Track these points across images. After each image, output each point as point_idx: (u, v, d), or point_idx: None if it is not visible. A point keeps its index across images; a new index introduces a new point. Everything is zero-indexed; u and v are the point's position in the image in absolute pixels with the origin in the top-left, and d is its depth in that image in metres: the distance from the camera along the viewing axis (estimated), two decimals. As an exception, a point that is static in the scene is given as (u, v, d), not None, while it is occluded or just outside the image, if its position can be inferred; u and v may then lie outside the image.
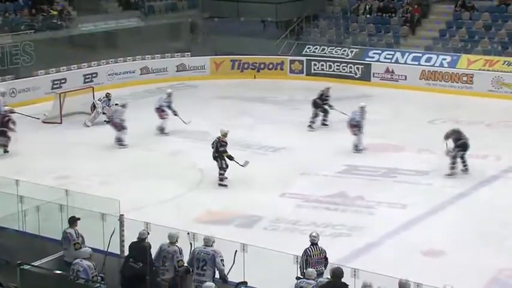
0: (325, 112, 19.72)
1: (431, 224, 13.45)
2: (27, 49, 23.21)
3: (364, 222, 13.43)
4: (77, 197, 11.19)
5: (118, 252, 10.26)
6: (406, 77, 24.42)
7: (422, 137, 18.65)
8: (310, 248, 9.76)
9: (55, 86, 22.62)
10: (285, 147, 17.88)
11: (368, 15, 28.05)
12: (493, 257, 11.87)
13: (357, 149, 17.34)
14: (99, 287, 9.30)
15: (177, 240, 9.73)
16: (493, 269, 11.50)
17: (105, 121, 19.95)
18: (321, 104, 19.66)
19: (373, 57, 25.68)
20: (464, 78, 23.71)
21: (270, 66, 26.50)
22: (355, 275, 8.87)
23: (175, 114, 19.04)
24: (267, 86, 24.80)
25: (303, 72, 26.18)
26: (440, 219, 13.69)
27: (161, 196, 14.48)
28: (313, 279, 8.93)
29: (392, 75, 24.76)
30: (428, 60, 24.83)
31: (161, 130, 19.00)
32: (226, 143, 15.05)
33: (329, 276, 8.94)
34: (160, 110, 19.05)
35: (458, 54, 24.78)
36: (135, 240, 9.83)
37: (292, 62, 26.38)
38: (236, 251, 9.40)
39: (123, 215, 10.32)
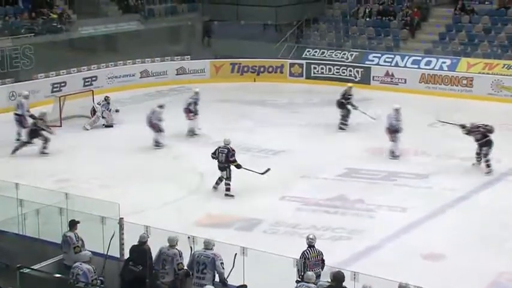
0: (347, 113, 19.69)
1: (432, 227, 13.44)
2: (27, 52, 23.22)
3: (364, 225, 13.42)
4: (76, 200, 11.18)
5: (118, 255, 10.25)
6: (405, 80, 24.44)
7: (422, 140, 18.66)
8: (308, 251, 9.77)
9: (55, 90, 22.62)
10: (285, 151, 17.88)
11: (368, 19, 28.08)
12: (493, 261, 11.86)
13: (394, 155, 17.00)
14: (99, 290, 9.30)
15: (176, 243, 9.73)
16: (493, 273, 11.49)
17: (103, 125, 19.97)
18: (345, 103, 19.66)
19: (372, 61, 25.70)
20: (464, 82, 23.72)
21: (270, 69, 26.52)
22: (355, 278, 8.87)
23: (195, 114, 19.02)
24: (267, 89, 24.81)
25: (302, 76, 26.19)
26: (440, 222, 13.68)
27: (161, 199, 14.46)
28: (313, 283, 8.93)
29: (392, 78, 24.77)
30: (428, 63, 24.85)
31: (190, 132, 18.91)
32: (235, 151, 14.84)
33: (328, 279, 8.94)
34: (188, 111, 18.98)
35: (458, 57, 24.79)
36: (135, 243, 9.83)
37: (292, 65, 26.40)
38: (236, 254, 9.39)
39: (122, 218, 10.32)
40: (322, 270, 9.66)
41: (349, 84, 20.65)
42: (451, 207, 14.41)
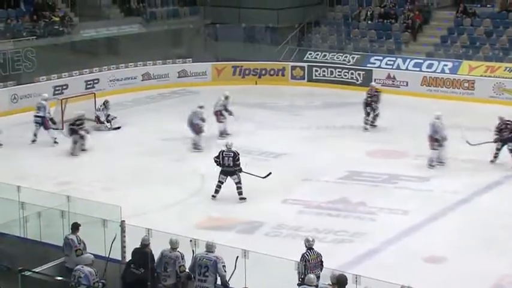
0: (371, 112, 19.77)
1: (433, 230, 13.43)
2: (28, 55, 23.25)
3: (365, 228, 13.41)
4: (78, 203, 11.18)
5: (119, 258, 10.25)
6: (407, 83, 24.43)
7: (424, 143, 18.62)
8: (307, 253, 9.79)
9: (57, 92, 22.63)
10: (286, 153, 17.88)
11: (369, 22, 28.08)
12: (495, 263, 11.84)
13: (432, 164, 16.60)
14: (101, 293, 9.31)
15: (178, 246, 9.72)
16: (495, 276, 11.47)
17: (109, 128, 19.97)
18: (370, 102, 19.77)
19: (374, 64, 25.70)
20: (466, 85, 23.71)
21: (272, 72, 26.53)
22: (356, 281, 8.86)
23: (231, 114, 19.27)
24: (268, 92, 24.82)
25: (304, 78, 26.20)
26: (441, 225, 13.67)
27: (162, 202, 14.47)
28: (315, 285, 8.93)
29: (393, 81, 24.77)
30: (429, 66, 24.85)
31: (221, 134, 18.98)
32: (239, 154, 14.77)
33: (328, 282, 8.94)
34: (219, 113, 19.08)
35: (460, 60, 24.80)
36: (137, 246, 9.83)
37: (293, 68, 26.41)
38: (238, 257, 9.39)
39: (124, 221, 10.32)
40: (321, 272, 9.69)
41: (372, 84, 20.79)
42: (453, 210, 14.40)
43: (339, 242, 12.81)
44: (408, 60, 25.34)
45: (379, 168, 16.70)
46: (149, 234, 9.91)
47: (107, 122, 20.03)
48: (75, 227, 10.24)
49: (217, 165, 14.63)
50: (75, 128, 17.86)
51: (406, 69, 25.10)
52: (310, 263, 9.68)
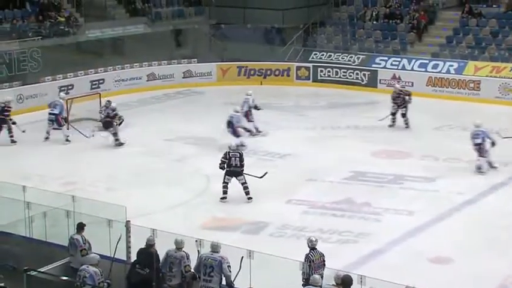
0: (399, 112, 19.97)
1: (438, 230, 13.41)
2: (34, 55, 23.30)
3: (370, 228, 13.40)
4: (83, 203, 11.20)
5: (124, 258, 10.26)
6: (412, 83, 24.37)
7: (429, 143, 18.64)
8: (311, 253, 9.80)
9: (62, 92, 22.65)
10: (291, 154, 17.87)
11: (375, 22, 28.04)
12: (500, 264, 11.81)
13: (482, 170, 16.29)
14: (106, 293, 9.32)
15: (183, 246, 9.73)
16: (500, 276, 11.44)
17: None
18: (396, 104, 19.96)
19: (379, 64, 25.68)
20: (471, 85, 23.67)
21: (277, 72, 26.52)
22: (361, 281, 8.85)
23: (260, 109, 19.60)
24: (273, 92, 24.80)
25: (309, 79, 26.18)
26: (447, 226, 13.64)
27: (167, 202, 14.48)
28: (320, 286, 8.93)
29: (398, 81, 24.71)
30: (435, 66, 24.81)
31: (251, 132, 19.14)
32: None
33: (334, 283, 8.93)
34: (248, 113, 19.32)
35: (465, 60, 24.76)
36: (142, 246, 9.84)
37: (298, 68, 26.40)
38: (242, 257, 9.39)
39: (129, 221, 10.33)
40: (323, 271, 9.70)
41: (395, 86, 20.97)
42: (458, 210, 14.37)
43: (344, 242, 12.80)
44: (413, 60, 25.31)
45: (384, 168, 16.68)
46: (154, 234, 9.92)
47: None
48: (80, 227, 10.25)
49: (221, 168, 14.61)
50: (110, 120, 18.41)
51: (412, 69, 25.07)
52: (315, 263, 9.69)
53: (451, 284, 11.16)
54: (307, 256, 9.75)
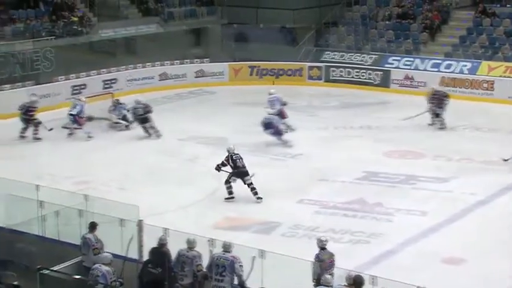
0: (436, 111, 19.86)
1: (451, 231, 13.34)
2: (47, 55, 23.41)
3: (382, 229, 13.35)
4: (96, 202, 11.24)
5: (137, 257, 10.29)
6: (425, 83, 24.28)
7: (442, 144, 18.55)
8: (322, 253, 9.81)
9: (75, 92, 22.77)
10: (303, 154, 17.85)
11: (387, 22, 27.96)
12: (513, 265, 11.76)
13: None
14: (118, 292, 9.34)
15: (195, 246, 9.75)
16: (513, 277, 11.39)
17: (125, 126, 20.05)
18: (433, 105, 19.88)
19: (392, 64, 25.61)
20: (485, 85, 23.54)
21: (289, 72, 26.50)
22: (373, 282, 8.83)
23: (286, 104, 19.78)
24: (286, 92, 24.59)
25: (321, 79, 26.15)
26: (459, 226, 13.57)
27: (178, 202, 14.50)
28: (331, 286, 8.92)
29: (411, 81, 24.66)
30: (448, 66, 24.71)
31: (290, 128, 19.27)
32: None
33: (346, 283, 8.92)
34: (283, 111, 19.45)
35: (479, 60, 24.62)
36: (154, 245, 9.86)
37: (310, 68, 26.37)
38: (254, 257, 9.39)
39: (142, 220, 10.35)
40: (333, 271, 9.69)
41: (432, 87, 20.91)
42: (471, 211, 14.29)
43: (356, 242, 12.77)
44: (426, 60, 25.21)
45: (397, 168, 16.63)
46: (166, 233, 9.94)
47: (123, 120, 20.12)
48: (92, 226, 10.30)
49: (217, 169, 14.71)
50: (147, 117, 19.10)
51: (424, 69, 24.97)
52: (325, 263, 9.69)
53: (463, 285, 11.10)
54: (317, 256, 9.76)
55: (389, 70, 25.18)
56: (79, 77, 23.45)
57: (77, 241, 10.42)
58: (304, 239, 12.84)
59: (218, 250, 9.67)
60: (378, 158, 17.44)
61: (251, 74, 26.46)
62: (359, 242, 12.81)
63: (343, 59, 26.62)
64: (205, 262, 9.71)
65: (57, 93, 22.29)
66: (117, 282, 9.37)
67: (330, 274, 9.36)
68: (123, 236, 10.20)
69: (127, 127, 20.06)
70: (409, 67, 25.18)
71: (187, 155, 17.82)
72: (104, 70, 24.25)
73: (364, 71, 25.58)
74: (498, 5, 26.97)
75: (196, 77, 25.98)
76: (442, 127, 19.77)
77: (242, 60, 26.91)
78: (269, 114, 18.78)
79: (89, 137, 19.06)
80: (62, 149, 18.33)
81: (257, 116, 19.90)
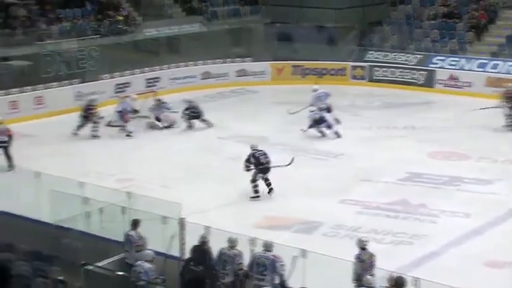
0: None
1: (494, 234, 13.13)
2: (92, 54, 23.73)
3: (426, 230, 13.20)
4: (138, 199, 11.36)
5: (178, 255, 10.37)
6: (470, 83, 23.93)
7: (487, 145, 18.25)
8: (363, 253, 9.78)
9: (119, 90, 23.06)
10: (345, 153, 17.75)
11: (432, 21, 27.61)
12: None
13: None
14: (160, 289, 9.43)
15: (237, 244, 9.78)
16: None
17: (163, 126, 20.17)
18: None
19: (436, 64, 25.30)
20: (532, 86, 23.05)
21: (332, 72, 26.39)
22: (416, 284, 8.74)
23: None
24: (329, 91, 24.63)
25: (365, 78, 25.98)
26: (504, 229, 13.35)
27: (220, 200, 14.56)
28: (373, 287, 8.87)
29: (456, 81, 24.31)
30: (494, 66, 24.29)
31: (337, 121, 19.58)
32: None
33: (387, 284, 8.85)
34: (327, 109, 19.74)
35: (526, 60, 24.18)
36: (197, 243, 9.92)
37: (354, 68, 26.22)
38: (296, 256, 9.37)
39: (184, 218, 10.43)
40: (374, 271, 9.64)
41: (509, 84, 20.67)
42: (516, 214, 14.05)
43: (398, 243, 12.66)
44: (472, 60, 24.83)
45: (440, 170, 16.42)
46: (208, 232, 9.99)
47: (158, 120, 20.24)
48: (135, 224, 10.41)
49: (247, 170, 14.76)
50: (195, 115, 19.83)
51: (470, 69, 24.60)
52: (366, 263, 9.64)
53: (508, 289, 10.93)
54: (358, 256, 9.73)
55: (434, 70, 24.88)
56: (123, 76, 23.73)
57: (120, 238, 10.53)
58: (345, 239, 12.77)
59: (259, 249, 9.68)
60: (421, 158, 17.25)
61: (294, 74, 26.41)
62: (401, 243, 12.69)
63: (387, 59, 26.38)
64: (246, 261, 9.74)
65: (102, 91, 22.57)
66: (159, 279, 9.46)
67: (370, 275, 9.31)
68: (165, 233, 10.29)
69: (167, 127, 20.15)
70: (454, 67, 24.84)
71: (228, 153, 17.85)
72: (147, 69, 24.49)
73: (408, 70, 25.32)
74: (547, 4, 26.43)
75: (238, 76, 26.04)
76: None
77: (284, 59, 26.87)
78: (311, 111, 18.65)
79: (128, 135, 19.25)
80: (106, 147, 18.56)
81: (299, 115, 19.91)
